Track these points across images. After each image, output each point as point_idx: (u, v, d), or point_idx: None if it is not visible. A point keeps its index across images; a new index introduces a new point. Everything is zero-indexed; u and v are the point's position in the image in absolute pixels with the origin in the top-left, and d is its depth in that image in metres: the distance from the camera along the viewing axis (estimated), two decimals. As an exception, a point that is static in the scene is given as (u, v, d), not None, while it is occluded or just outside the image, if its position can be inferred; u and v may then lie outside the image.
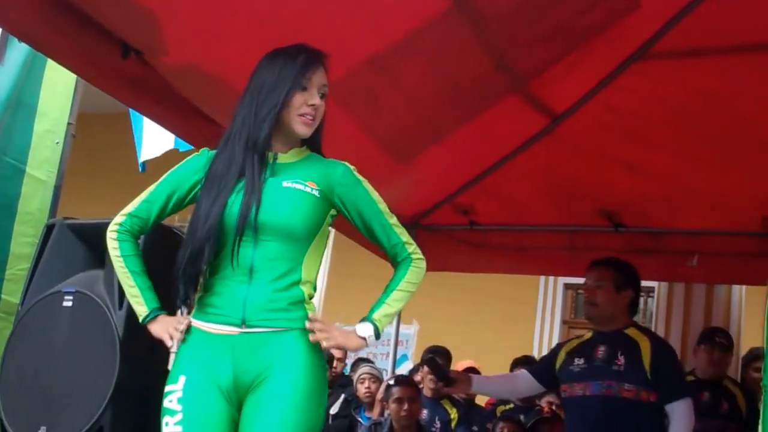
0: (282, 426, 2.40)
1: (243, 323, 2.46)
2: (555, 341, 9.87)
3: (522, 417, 5.59)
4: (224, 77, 3.44)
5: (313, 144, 2.65)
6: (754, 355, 5.79)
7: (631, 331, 4.11)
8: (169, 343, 2.53)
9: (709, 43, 3.86)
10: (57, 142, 4.68)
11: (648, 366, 3.96)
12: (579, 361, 4.11)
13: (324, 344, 2.50)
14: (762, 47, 3.77)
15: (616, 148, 4.60)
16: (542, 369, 4.38)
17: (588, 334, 4.26)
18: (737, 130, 4.24)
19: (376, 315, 2.52)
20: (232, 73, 3.24)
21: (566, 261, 5.63)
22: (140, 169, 6.58)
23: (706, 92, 4.08)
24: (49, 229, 3.71)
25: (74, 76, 4.47)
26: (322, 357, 2.55)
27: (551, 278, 9.98)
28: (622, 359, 3.99)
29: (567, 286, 10.16)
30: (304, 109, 2.53)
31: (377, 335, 2.51)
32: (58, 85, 4.68)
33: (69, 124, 4.73)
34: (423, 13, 3.41)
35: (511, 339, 8.89)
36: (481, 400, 6.57)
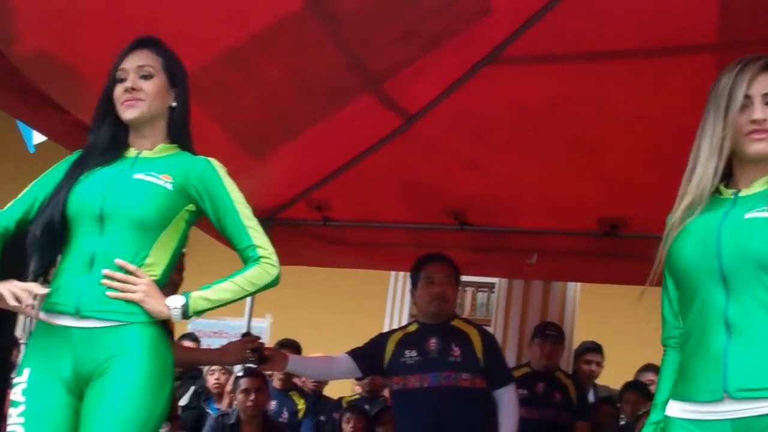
0: (118, 417, 2.31)
1: (77, 313, 2.36)
2: (404, 333, 10.00)
3: (367, 407, 5.59)
4: (79, 67, 3.27)
5: (183, 141, 2.60)
6: (585, 348, 6.00)
7: (458, 323, 4.21)
8: (11, 302, 2.33)
9: (555, 51, 3.96)
10: None
11: (480, 355, 4.07)
12: (411, 353, 4.09)
13: (119, 295, 2.37)
14: (603, 56, 3.89)
15: (465, 149, 4.63)
16: (366, 354, 4.25)
17: (413, 326, 4.27)
18: (578, 135, 4.33)
19: (195, 293, 2.43)
20: (86, 62, 3.13)
21: (414, 257, 5.63)
22: (30, 150, 6.17)
23: (550, 98, 4.17)
24: None
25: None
26: (165, 349, 2.46)
27: (401, 273, 10.05)
28: (457, 350, 4.05)
29: (416, 281, 10.23)
30: (123, 96, 2.50)
31: (186, 312, 2.40)
32: None
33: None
34: (277, 10, 3.34)
35: (362, 332, 8.87)
36: (331, 392, 6.52)
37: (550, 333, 5.27)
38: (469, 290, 10.18)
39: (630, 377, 6.16)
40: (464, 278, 8.80)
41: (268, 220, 5.17)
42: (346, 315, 9.63)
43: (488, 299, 9.65)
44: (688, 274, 2.13)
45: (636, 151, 4.35)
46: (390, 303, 10.27)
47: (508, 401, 4.09)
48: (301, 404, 5.75)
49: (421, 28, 3.73)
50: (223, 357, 3.94)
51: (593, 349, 6.01)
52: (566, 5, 3.70)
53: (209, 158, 2.55)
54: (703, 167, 2.16)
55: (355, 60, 3.84)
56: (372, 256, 5.86)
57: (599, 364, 5.97)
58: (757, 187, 2.13)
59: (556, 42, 3.86)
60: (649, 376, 6.18)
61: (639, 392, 5.65)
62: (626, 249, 5.01)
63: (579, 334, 6.29)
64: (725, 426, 2.01)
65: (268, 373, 5.76)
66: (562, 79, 4.03)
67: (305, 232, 5.58)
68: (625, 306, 8.12)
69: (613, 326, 8.05)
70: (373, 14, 3.54)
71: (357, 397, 6.03)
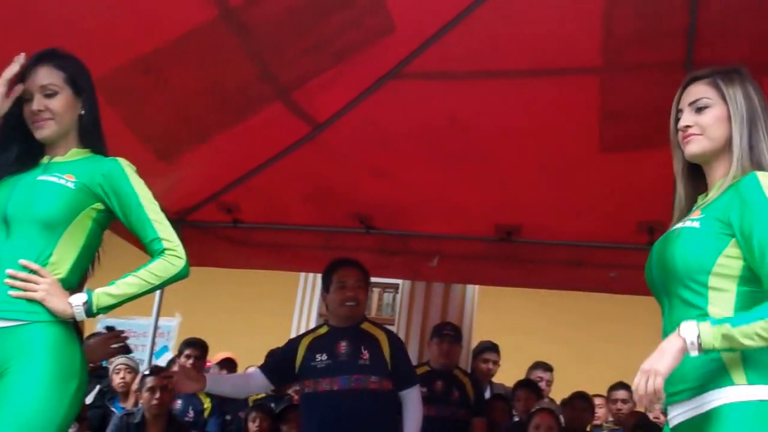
0: (20, 418, 2.27)
1: None
2: (312, 332, 10.08)
3: (273, 405, 5.64)
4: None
5: (95, 144, 2.62)
6: (483, 348, 6.17)
7: (367, 326, 4.26)
8: None
9: (453, 68, 4.10)
10: None
11: (388, 358, 4.13)
12: (321, 357, 4.12)
13: (21, 294, 2.37)
14: (498, 74, 4.06)
15: (371, 157, 4.76)
16: (276, 368, 4.28)
17: (323, 329, 4.31)
18: (475, 147, 4.50)
19: (98, 290, 2.42)
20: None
21: (321, 259, 5.72)
22: None
23: (449, 111, 4.32)
24: None
25: None
26: (70, 349, 2.42)
27: (310, 275, 10.13)
28: (366, 353, 4.11)
29: (324, 283, 10.33)
30: (32, 117, 2.54)
31: (89, 310, 2.39)
32: None
33: None
34: (191, 19, 3.40)
35: (270, 332, 8.94)
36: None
37: (447, 333, 5.35)
38: (376, 291, 10.34)
39: (524, 375, 6.38)
40: (372, 279, 8.94)
41: (178, 222, 5.20)
42: (255, 315, 9.66)
43: (393, 300, 9.82)
44: (653, 290, 2.28)
45: (529, 163, 4.56)
46: (299, 304, 10.34)
47: (412, 401, 4.19)
48: (207, 403, 5.70)
49: (329, 42, 3.83)
50: (91, 356, 3.87)
51: (490, 348, 6.16)
52: (464, 27, 3.85)
53: (117, 158, 2.56)
54: (678, 190, 2.30)
55: (266, 70, 3.91)
56: (280, 257, 5.95)
57: (496, 363, 6.13)
58: (713, 194, 2.21)
59: (454, 60, 4.01)
60: (538, 374, 6.41)
61: (530, 390, 5.85)
62: (521, 254, 5.23)
63: (477, 334, 6.48)
64: (680, 429, 2.12)
65: (174, 370, 5.79)
66: (459, 94, 4.19)
67: (215, 233, 5.63)
68: (520, 307, 8.44)
69: (509, 326, 8.28)
70: (283, 27, 3.62)
71: (263, 395, 6.05)
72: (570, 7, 3.73)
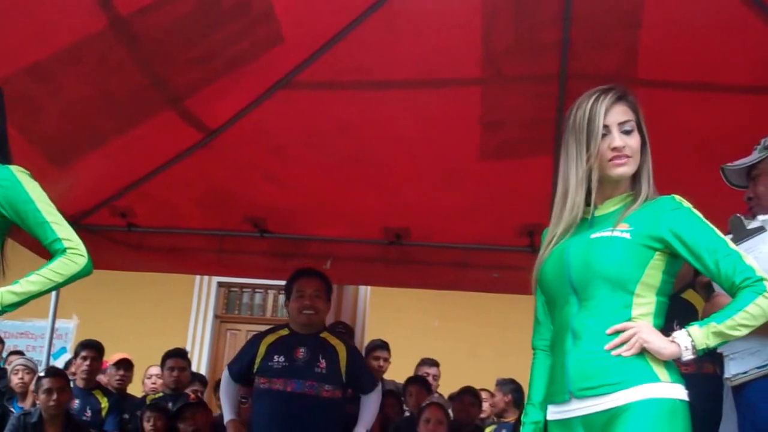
0: None
1: None
2: (208, 333, 10.09)
3: (170, 404, 5.61)
4: None
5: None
6: (374, 346, 6.25)
7: (327, 335, 4.41)
8: None
9: (342, 78, 4.18)
10: None
11: (344, 369, 4.30)
12: (279, 359, 4.24)
13: None
14: (384, 85, 4.16)
15: (263, 164, 4.81)
16: (242, 371, 4.45)
17: (284, 331, 4.41)
18: (363, 154, 4.60)
19: (1, 288, 2.41)
20: None
21: (217, 262, 5.75)
22: None
23: (339, 120, 4.41)
24: None
25: None
26: None
27: (205, 278, 10.10)
28: (323, 363, 4.25)
29: (220, 284, 10.37)
30: None
31: None
32: None
33: None
34: (80, 30, 3.41)
35: (167, 333, 8.87)
36: (136, 390, 6.51)
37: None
38: (271, 293, 10.36)
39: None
40: (268, 282, 8.97)
41: (72, 225, 5.13)
42: (152, 318, 9.57)
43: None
44: (550, 289, 2.34)
45: (416, 169, 4.68)
46: (194, 306, 10.29)
47: (370, 399, 4.45)
48: (104, 402, 5.64)
49: (220, 53, 3.86)
50: None
51: (381, 346, 6.25)
52: (352, 38, 3.94)
53: (10, 165, 2.55)
54: (574, 195, 2.32)
55: (157, 78, 3.92)
56: (176, 261, 5.92)
57: (386, 360, 6.21)
58: (609, 207, 2.32)
59: (343, 70, 4.10)
60: (424, 369, 6.52)
61: (421, 385, 5.96)
62: (409, 256, 5.35)
63: (370, 332, 6.57)
64: (577, 423, 2.20)
65: (71, 371, 5.73)
66: (348, 103, 4.28)
67: (110, 237, 5.57)
68: (411, 306, 8.58)
69: (400, 324, 8.40)
70: (173, 37, 3.64)
71: (160, 394, 6.01)
72: (451, 21, 3.84)
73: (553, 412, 2.28)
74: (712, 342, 2.09)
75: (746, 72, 3.83)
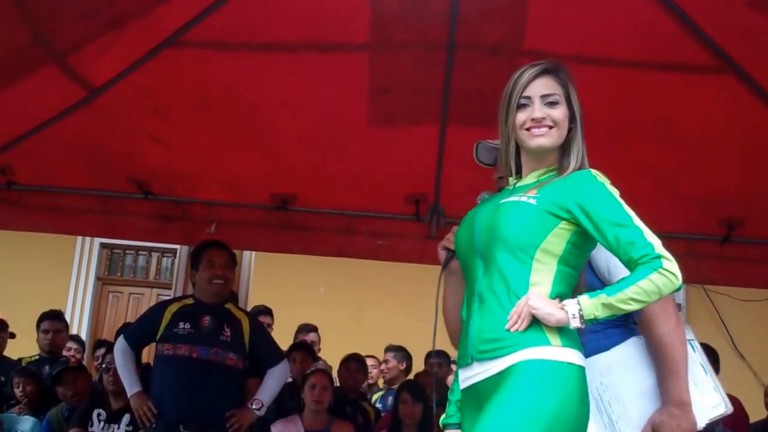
0: None
1: None
2: (89, 295, 9.91)
3: (47, 367, 5.49)
4: None
5: None
6: (258, 311, 6.28)
7: (231, 307, 4.52)
8: None
9: (230, 39, 4.12)
10: None
11: (247, 341, 4.39)
12: (185, 326, 4.31)
13: None
14: (271, 47, 4.12)
15: (148, 124, 4.69)
16: (145, 337, 4.49)
17: (189, 300, 4.50)
18: (250, 117, 4.54)
19: None
20: None
21: (100, 223, 5.60)
22: None
23: (225, 82, 4.34)
24: None
25: None
26: None
27: (87, 239, 9.88)
28: (228, 331, 4.35)
29: (103, 246, 10.16)
30: None
31: None
32: None
33: None
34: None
35: (45, 295, 8.64)
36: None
37: None
38: (155, 255, 10.21)
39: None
40: (150, 244, 8.82)
41: (-54, 181, 4.94)
42: (30, 279, 9.31)
43: (172, 264, 9.72)
44: (462, 254, 2.39)
45: (301, 135, 4.66)
46: (75, 268, 10.06)
47: (274, 374, 4.51)
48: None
49: (105, 8, 3.75)
50: None
51: (264, 311, 6.28)
52: (241, -2, 3.88)
53: None
54: (505, 165, 2.42)
55: (40, 33, 3.79)
56: (57, 221, 5.71)
57: (269, 326, 6.24)
58: (531, 178, 2.37)
59: (230, 30, 4.03)
60: (303, 336, 6.56)
61: (305, 351, 5.99)
62: (294, 222, 5.33)
63: (254, 298, 6.56)
64: (476, 389, 2.26)
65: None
66: (235, 65, 4.21)
67: (-11, 195, 5.37)
68: (297, 272, 8.58)
69: (285, 290, 8.41)
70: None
71: (36, 357, 5.86)
72: (340, -17, 3.83)
73: (462, 380, 2.33)
74: (600, 313, 2.13)
75: (628, 46, 3.92)
